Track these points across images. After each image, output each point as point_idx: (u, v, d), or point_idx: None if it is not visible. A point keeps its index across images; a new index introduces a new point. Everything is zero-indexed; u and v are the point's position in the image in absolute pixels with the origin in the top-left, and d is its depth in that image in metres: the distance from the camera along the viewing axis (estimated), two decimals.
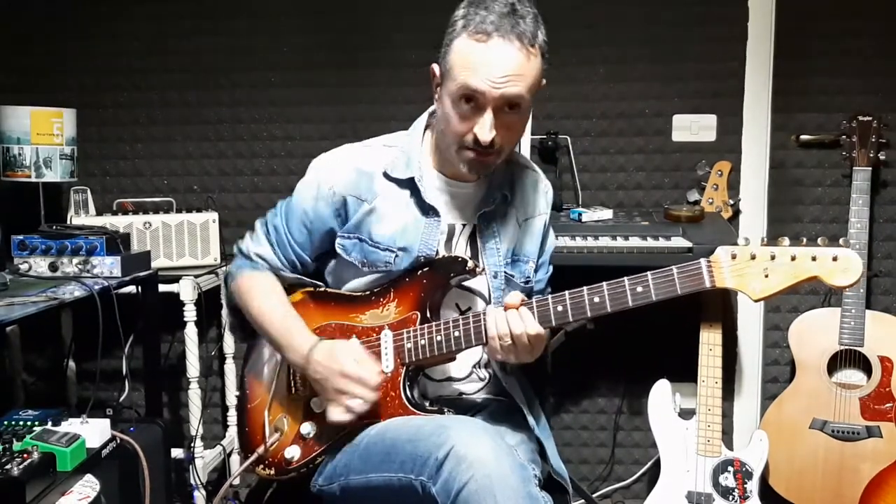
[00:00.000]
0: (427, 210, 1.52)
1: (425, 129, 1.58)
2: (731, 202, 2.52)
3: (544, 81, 1.43)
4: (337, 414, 1.41)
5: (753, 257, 1.29)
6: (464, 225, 1.56)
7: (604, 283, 1.36)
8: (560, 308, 1.38)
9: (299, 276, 1.61)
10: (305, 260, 1.61)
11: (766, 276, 1.28)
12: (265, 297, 1.57)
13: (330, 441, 1.47)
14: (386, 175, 1.53)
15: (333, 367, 1.42)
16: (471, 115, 1.39)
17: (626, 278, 1.34)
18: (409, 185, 1.52)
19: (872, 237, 2.51)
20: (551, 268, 1.70)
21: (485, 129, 1.38)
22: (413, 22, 2.64)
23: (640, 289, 1.33)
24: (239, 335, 1.71)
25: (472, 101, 1.37)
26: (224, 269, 2.58)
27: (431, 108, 1.56)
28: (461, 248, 1.55)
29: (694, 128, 2.65)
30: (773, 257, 1.28)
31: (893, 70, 2.56)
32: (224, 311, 1.72)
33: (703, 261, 1.31)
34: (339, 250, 1.56)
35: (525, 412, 1.56)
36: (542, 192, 1.66)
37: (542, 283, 1.68)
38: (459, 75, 1.36)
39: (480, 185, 1.57)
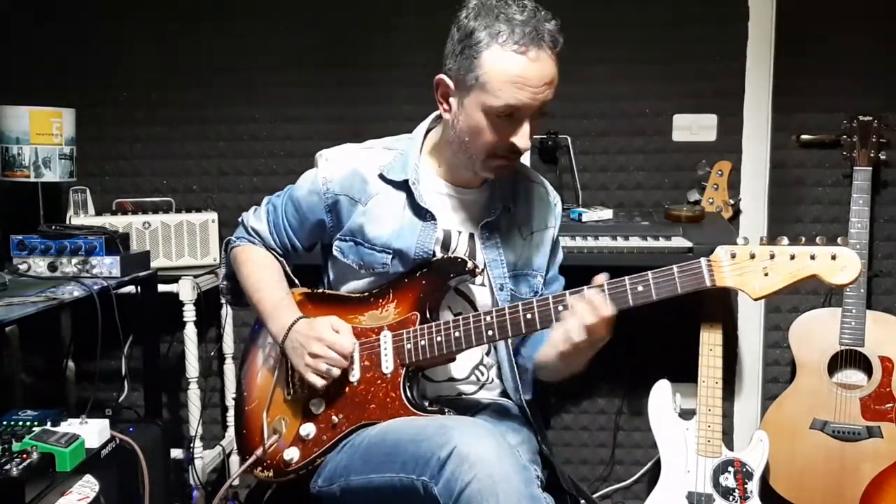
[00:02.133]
0: (423, 213, 1.51)
1: (427, 133, 1.58)
2: (732, 202, 2.52)
3: None
4: (312, 378, 1.44)
5: (753, 256, 1.29)
6: (460, 232, 1.56)
7: (604, 283, 1.36)
8: (561, 308, 1.37)
9: (285, 264, 1.64)
10: (297, 245, 1.65)
11: (766, 274, 1.29)
12: (261, 270, 1.61)
13: (330, 442, 1.46)
14: (382, 177, 1.54)
15: (311, 333, 1.45)
16: (506, 125, 1.39)
17: (626, 278, 1.34)
18: (404, 187, 1.52)
19: (873, 237, 2.51)
20: (563, 279, 1.68)
21: (525, 138, 1.40)
22: (413, 22, 2.64)
23: (640, 288, 1.33)
24: (231, 300, 1.74)
25: (511, 114, 1.38)
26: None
27: (435, 114, 1.55)
28: (460, 254, 1.54)
29: (694, 127, 2.65)
30: (772, 256, 1.29)
31: (894, 70, 2.56)
32: (220, 276, 1.74)
33: (703, 260, 1.32)
34: (335, 253, 1.57)
35: (532, 422, 1.57)
36: (551, 204, 1.66)
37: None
38: (501, 91, 1.35)
39: (482, 193, 1.56)
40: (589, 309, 1.33)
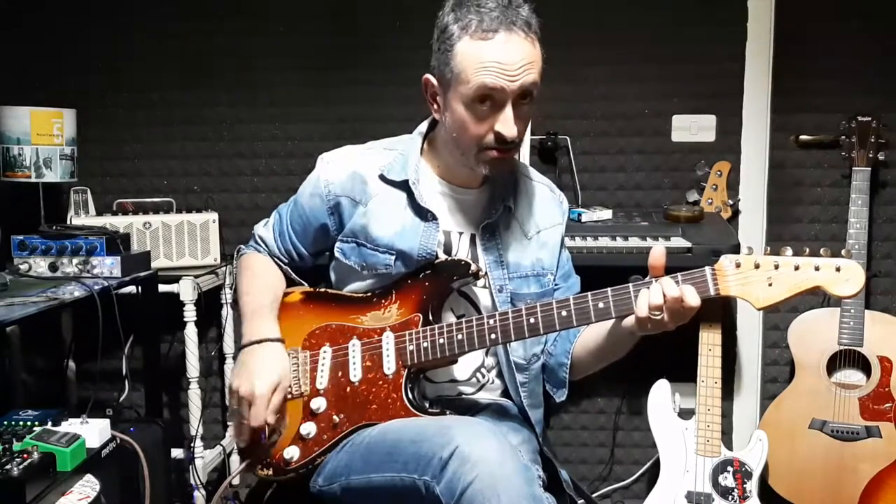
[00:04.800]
0: (424, 214, 1.52)
1: (426, 134, 1.58)
2: (731, 202, 2.53)
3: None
4: (232, 404, 1.46)
5: (757, 266, 1.29)
6: (461, 233, 1.56)
7: (608, 290, 1.36)
8: (564, 313, 1.38)
9: (289, 270, 1.64)
10: (302, 252, 1.65)
11: (770, 284, 1.28)
12: (255, 278, 1.62)
13: (330, 442, 1.46)
14: (382, 177, 1.54)
15: (255, 369, 1.44)
16: (488, 114, 1.38)
17: (629, 284, 1.34)
18: (405, 187, 1.53)
19: (871, 237, 2.52)
20: (578, 278, 1.68)
21: (508, 124, 1.38)
22: (413, 22, 2.64)
23: (643, 294, 1.33)
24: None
25: (488, 100, 1.37)
26: (224, 269, 2.59)
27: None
28: (462, 256, 1.55)
29: (693, 128, 2.65)
30: (776, 266, 1.28)
31: (893, 70, 2.56)
32: (228, 289, 1.75)
33: (707, 269, 1.31)
34: (337, 254, 1.57)
35: (532, 422, 1.57)
36: (556, 202, 1.66)
37: (575, 287, 1.66)
38: (473, 77, 1.35)
39: (482, 193, 1.56)
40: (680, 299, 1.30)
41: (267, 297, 1.57)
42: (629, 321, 1.36)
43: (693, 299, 1.29)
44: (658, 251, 1.34)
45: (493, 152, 1.42)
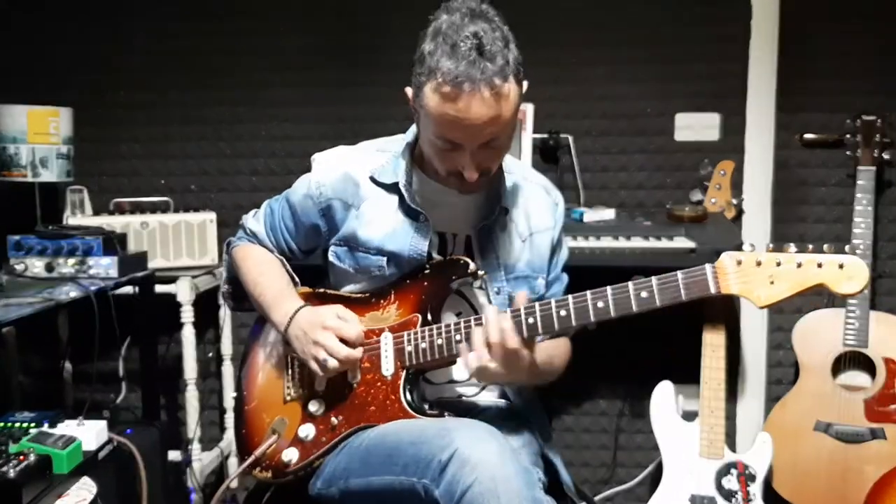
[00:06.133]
0: (416, 215, 1.51)
1: (418, 136, 1.56)
2: (735, 202, 2.51)
3: (526, 85, 1.39)
4: (315, 367, 1.43)
5: (759, 264, 1.27)
6: (454, 235, 1.55)
7: (608, 288, 1.34)
8: (563, 312, 1.36)
9: (284, 261, 1.63)
10: (294, 248, 1.65)
11: (772, 282, 1.26)
12: (261, 265, 1.61)
13: (329, 444, 1.45)
14: (373, 179, 1.54)
15: (315, 321, 1.44)
16: (452, 153, 1.38)
17: (630, 283, 1.33)
18: (395, 190, 1.52)
19: (877, 237, 2.50)
20: (566, 278, 1.67)
21: (469, 169, 1.38)
22: (413, 22, 2.61)
23: (644, 294, 1.31)
24: (233, 305, 1.73)
25: (451, 144, 1.36)
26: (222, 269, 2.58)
27: None
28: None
29: (697, 127, 2.63)
30: (778, 264, 1.26)
31: None
32: (221, 280, 1.74)
33: (708, 267, 1.29)
34: (331, 258, 1.57)
35: (534, 425, 1.56)
36: (551, 205, 1.64)
37: (559, 296, 1.65)
38: (438, 125, 1.35)
39: (478, 195, 1.55)
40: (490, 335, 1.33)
41: (282, 281, 1.57)
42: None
43: (511, 339, 1.32)
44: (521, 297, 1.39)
45: (459, 180, 1.42)
